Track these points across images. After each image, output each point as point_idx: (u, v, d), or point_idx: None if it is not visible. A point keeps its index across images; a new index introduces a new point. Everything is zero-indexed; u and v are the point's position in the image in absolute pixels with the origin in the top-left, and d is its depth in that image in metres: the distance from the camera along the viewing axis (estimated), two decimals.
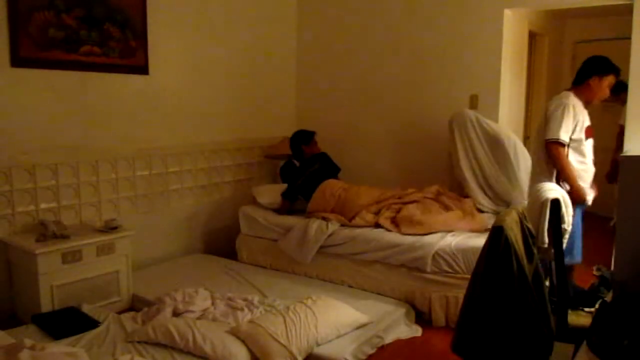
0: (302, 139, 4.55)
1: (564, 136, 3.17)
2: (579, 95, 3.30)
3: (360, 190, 4.12)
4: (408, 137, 4.81)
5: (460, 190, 4.21)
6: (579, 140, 3.23)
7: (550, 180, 3.20)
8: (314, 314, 2.88)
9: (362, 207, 3.95)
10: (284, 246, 4.01)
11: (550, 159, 3.22)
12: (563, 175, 3.20)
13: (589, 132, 3.30)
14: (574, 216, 3.15)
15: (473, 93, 4.44)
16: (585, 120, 3.28)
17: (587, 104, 3.33)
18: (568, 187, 3.17)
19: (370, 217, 3.86)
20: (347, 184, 4.24)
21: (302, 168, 4.40)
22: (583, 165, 3.25)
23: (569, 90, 3.34)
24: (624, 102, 5.36)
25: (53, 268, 3.17)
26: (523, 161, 4.06)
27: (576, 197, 3.14)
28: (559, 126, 3.15)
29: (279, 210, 4.27)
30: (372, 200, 4.02)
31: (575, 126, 3.21)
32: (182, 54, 4.28)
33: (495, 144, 4.09)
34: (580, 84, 3.32)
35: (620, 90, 5.46)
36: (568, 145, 3.21)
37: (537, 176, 3.29)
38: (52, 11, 3.44)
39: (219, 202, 4.71)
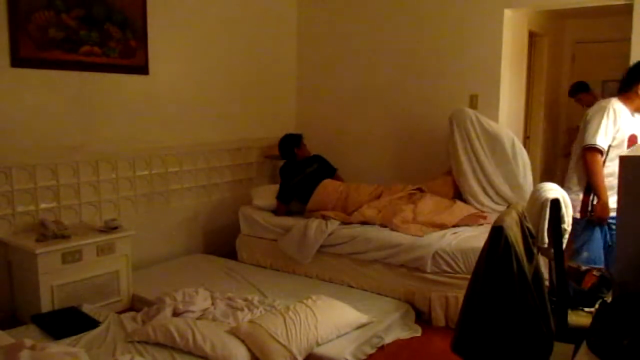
0: (293, 142, 4.56)
1: (602, 141, 3.00)
2: (625, 101, 3.11)
3: (359, 186, 4.20)
4: (408, 137, 4.81)
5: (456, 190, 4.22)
6: (617, 147, 3.05)
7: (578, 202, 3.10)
8: (314, 314, 2.88)
9: (363, 202, 3.97)
10: (283, 246, 4.01)
11: (584, 166, 3.07)
12: (591, 184, 3.05)
13: (633, 140, 3.10)
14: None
15: (473, 93, 4.44)
16: (629, 127, 3.08)
17: (636, 111, 3.14)
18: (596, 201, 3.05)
19: (370, 213, 3.86)
20: (345, 183, 4.29)
21: (300, 167, 4.40)
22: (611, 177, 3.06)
23: (616, 96, 3.15)
24: (585, 103, 5.46)
25: (53, 268, 3.17)
26: (521, 160, 4.06)
27: (599, 211, 3.02)
28: (596, 131, 3.00)
29: (277, 212, 4.27)
30: (372, 196, 4.05)
31: (617, 132, 3.04)
32: (182, 54, 4.29)
33: (494, 143, 4.09)
34: (627, 91, 3.13)
35: (578, 91, 5.51)
36: (607, 153, 3.04)
37: (571, 188, 3.15)
38: (52, 11, 3.44)
39: (219, 202, 4.71)
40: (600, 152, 3.01)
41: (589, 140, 3.03)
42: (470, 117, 4.14)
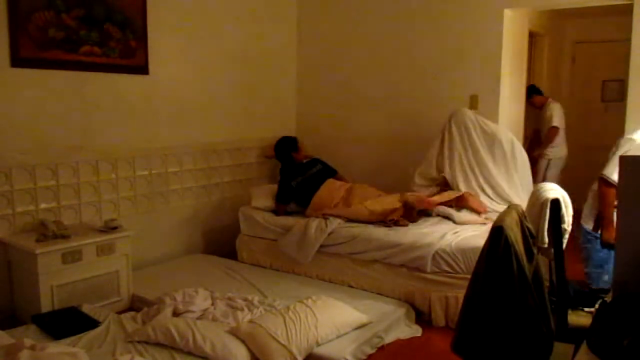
0: (291, 146, 4.57)
1: (616, 177, 2.78)
2: None
3: (363, 185, 4.27)
4: (408, 138, 4.80)
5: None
6: None
7: (591, 216, 3.03)
8: (314, 314, 2.88)
9: (369, 197, 4.02)
10: (283, 246, 4.01)
11: (598, 192, 2.97)
12: (601, 211, 2.96)
13: None
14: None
15: (473, 93, 4.44)
16: None
17: None
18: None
19: (375, 207, 3.89)
20: (349, 183, 4.33)
21: (302, 169, 4.40)
22: None
23: None
24: (537, 105, 5.48)
25: (53, 268, 3.17)
26: (520, 160, 4.07)
27: (607, 237, 2.92)
28: (616, 164, 2.75)
29: (276, 213, 4.27)
30: (375, 195, 4.09)
31: None
32: (182, 54, 4.28)
33: (493, 143, 4.10)
34: None
35: (530, 94, 5.52)
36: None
37: (588, 200, 3.07)
38: (52, 11, 3.44)
39: (219, 202, 4.71)
40: (613, 187, 2.85)
41: (605, 170, 2.92)
42: (470, 117, 4.15)
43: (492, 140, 4.10)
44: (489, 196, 4.09)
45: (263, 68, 5.00)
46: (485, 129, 4.12)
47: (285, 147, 4.59)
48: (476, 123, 4.13)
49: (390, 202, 3.96)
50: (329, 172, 4.49)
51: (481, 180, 4.10)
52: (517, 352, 1.85)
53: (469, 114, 4.16)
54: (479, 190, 4.09)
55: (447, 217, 3.89)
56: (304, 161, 4.54)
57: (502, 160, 4.07)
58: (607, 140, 5.97)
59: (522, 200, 3.92)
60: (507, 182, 4.07)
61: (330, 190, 4.17)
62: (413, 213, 3.88)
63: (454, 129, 4.17)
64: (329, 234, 3.81)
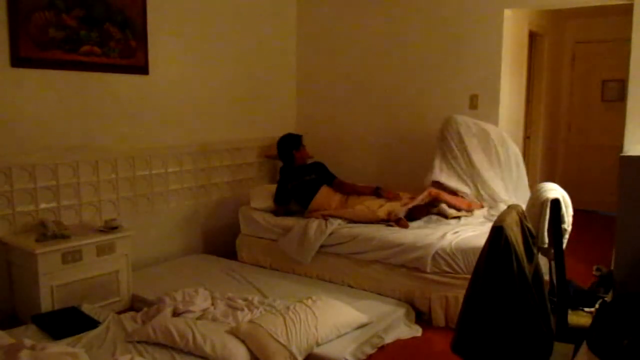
0: (292, 144, 4.44)
1: None
2: None
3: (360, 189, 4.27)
4: (408, 137, 4.81)
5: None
6: None
7: None
8: (314, 314, 2.88)
9: (366, 199, 4.04)
10: (284, 246, 4.01)
11: None
12: None
13: None
14: None
15: (473, 93, 4.45)
16: None
17: None
18: None
19: (374, 206, 3.91)
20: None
21: (299, 173, 4.36)
22: None
23: None
24: None
25: (53, 268, 3.17)
26: (514, 158, 4.08)
27: None
28: None
29: (276, 213, 4.27)
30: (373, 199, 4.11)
31: None
32: (182, 54, 4.29)
33: (487, 146, 4.11)
34: None
35: None
36: None
37: None
38: (52, 11, 3.44)
39: (219, 202, 4.71)
40: None
41: None
42: (461, 122, 4.16)
43: (486, 143, 4.11)
44: (485, 201, 4.09)
45: (263, 68, 5.00)
46: (477, 132, 4.14)
47: (287, 145, 4.47)
48: (468, 127, 4.14)
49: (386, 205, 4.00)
50: (326, 180, 4.37)
51: (478, 186, 4.10)
52: (517, 352, 1.86)
53: (458, 118, 4.18)
54: (475, 197, 4.08)
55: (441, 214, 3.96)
56: (307, 162, 4.50)
57: (497, 161, 4.08)
58: (607, 140, 6.00)
59: (518, 198, 3.94)
60: (504, 185, 4.07)
61: (326, 197, 4.15)
62: (423, 210, 3.94)
63: (447, 137, 4.18)
64: (330, 234, 3.81)
